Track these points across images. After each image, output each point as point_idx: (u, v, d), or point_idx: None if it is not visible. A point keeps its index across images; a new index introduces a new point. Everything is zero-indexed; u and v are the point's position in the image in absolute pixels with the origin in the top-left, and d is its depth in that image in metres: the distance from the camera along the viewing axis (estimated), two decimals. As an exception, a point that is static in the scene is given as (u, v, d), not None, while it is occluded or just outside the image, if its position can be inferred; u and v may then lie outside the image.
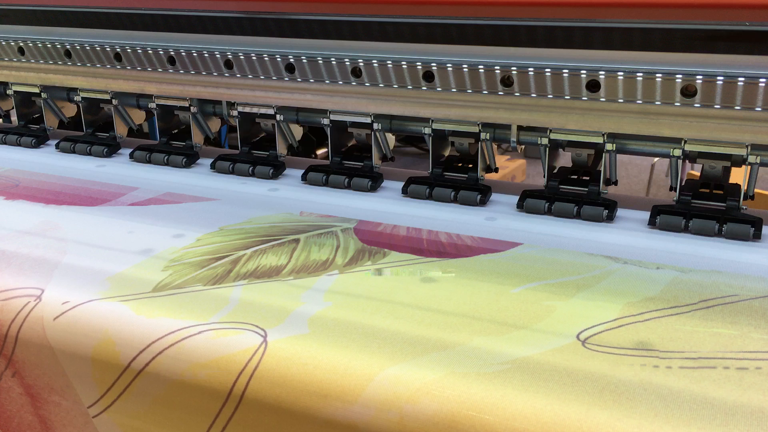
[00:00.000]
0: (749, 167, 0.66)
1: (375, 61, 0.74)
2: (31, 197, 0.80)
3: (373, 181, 0.80)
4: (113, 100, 0.93)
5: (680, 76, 0.63)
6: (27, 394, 0.58)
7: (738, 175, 0.68)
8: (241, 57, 0.81)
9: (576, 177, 0.75)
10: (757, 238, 0.65)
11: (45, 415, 0.58)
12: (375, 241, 0.67)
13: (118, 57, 0.89)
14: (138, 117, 0.97)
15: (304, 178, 0.83)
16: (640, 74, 0.64)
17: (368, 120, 0.79)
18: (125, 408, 0.53)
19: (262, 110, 0.85)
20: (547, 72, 0.67)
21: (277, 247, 0.65)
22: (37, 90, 0.98)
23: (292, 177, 0.85)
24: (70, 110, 1.02)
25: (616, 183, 0.74)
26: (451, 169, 0.79)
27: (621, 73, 0.65)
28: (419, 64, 0.72)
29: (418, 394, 0.44)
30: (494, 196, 0.77)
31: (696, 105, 0.63)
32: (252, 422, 0.49)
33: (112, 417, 0.54)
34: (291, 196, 0.79)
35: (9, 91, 1.01)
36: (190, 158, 0.90)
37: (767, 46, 0.59)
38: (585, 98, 0.67)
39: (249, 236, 0.68)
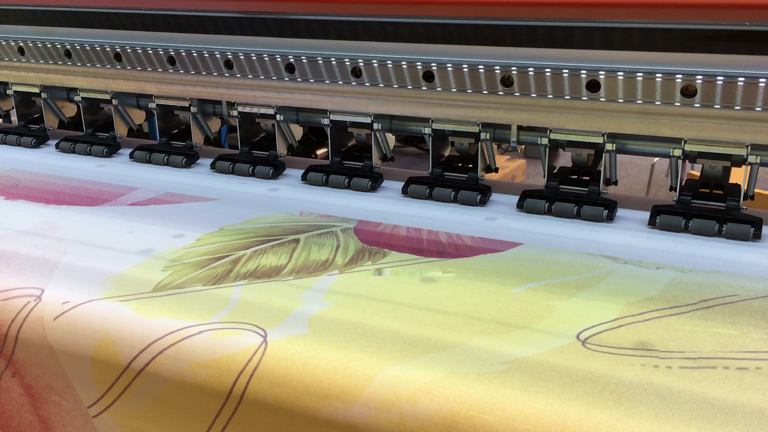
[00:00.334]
0: (749, 167, 0.66)
1: (375, 61, 0.74)
2: (31, 197, 0.80)
3: (373, 181, 0.80)
4: (113, 100, 0.93)
5: (680, 76, 0.63)
6: (27, 394, 0.58)
7: (738, 175, 0.68)
8: (241, 57, 0.81)
9: (576, 177, 0.75)
10: (757, 238, 0.65)
11: (45, 415, 0.58)
12: (375, 241, 0.67)
13: (118, 57, 0.89)
14: (138, 117, 0.97)
15: (304, 178, 0.83)
16: (640, 74, 0.64)
17: (368, 120, 0.79)
18: (125, 408, 0.53)
19: (262, 110, 0.85)
20: (547, 72, 0.67)
21: (277, 247, 0.65)
22: (37, 90, 0.98)
23: (292, 177, 0.85)
24: (70, 110, 1.02)
25: (616, 183, 0.74)
26: (451, 169, 0.79)
27: (621, 73, 0.65)
28: (419, 64, 0.72)
29: (418, 394, 0.44)
30: (494, 196, 0.77)
31: (696, 105, 0.63)
32: (252, 422, 0.49)
33: (112, 417, 0.54)
34: (291, 196, 0.79)
35: (9, 91, 1.01)
36: (190, 158, 0.90)
37: (767, 46, 0.59)
38: (585, 98, 0.67)
39: (249, 236, 0.68)
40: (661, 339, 0.49)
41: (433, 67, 0.72)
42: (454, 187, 0.76)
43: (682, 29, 0.61)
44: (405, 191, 0.78)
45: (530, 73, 0.68)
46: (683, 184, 0.71)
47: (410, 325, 0.52)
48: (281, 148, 0.87)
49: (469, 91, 0.72)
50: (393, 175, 0.84)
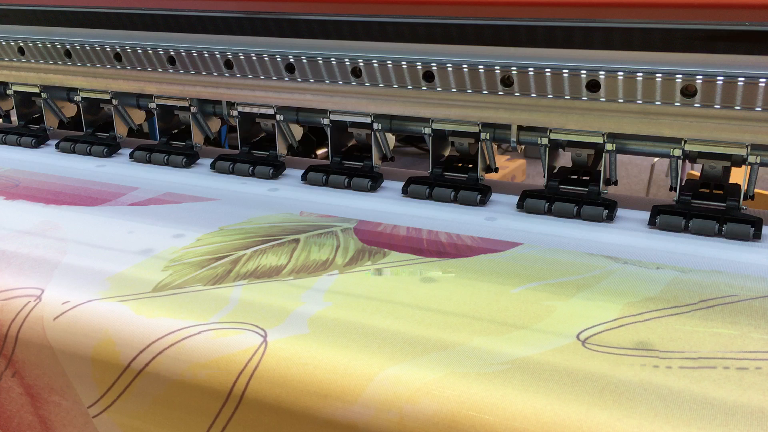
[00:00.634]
0: (749, 167, 0.66)
1: (375, 61, 0.74)
2: (31, 197, 0.80)
3: (373, 181, 0.80)
4: (113, 100, 0.93)
5: (680, 76, 0.63)
6: (27, 394, 0.58)
7: (738, 175, 0.68)
8: (241, 57, 0.81)
9: (576, 177, 0.75)
10: (757, 238, 0.65)
11: (45, 415, 0.58)
12: (375, 241, 0.67)
13: (118, 57, 0.89)
14: (138, 117, 0.97)
15: (304, 178, 0.83)
16: (640, 74, 0.64)
17: (368, 120, 0.79)
18: (125, 408, 0.53)
19: (262, 110, 0.85)
20: (547, 72, 0.67)
21: (277, 247, 0.65)
22: (37, 90, 0.98)
23: (292, 177, 0.85)
24: (70, 110, 1.02)
25: (616, 183, 0.74)
26: (451, 169, 0.79)
27: (621, 73, 0.65)
28: (419, 64, 0.72)
29: (418, 394, 0.44)
30: (494, 196, 0.77)
31: (696, 105, 0.63)
32: (252, 422, 0.49)
33: (112, 417, 0.54)
34: (291, 196, 0.79)
35: (9, 91, 1.01)
36: (190, 158, 0.90)
37: (767, 46, 0.59)
38: (585, 98, 0.67)
39: (249, 236, 0.68)
40: (661, 339, 0.49)
41: (433, 67, 0.72)
42: (454, 187, 0.76)
43: (682, 29, 0.61)
44: (405, 191, 0.78)
45: (530, 73, 0.68)
46: (683, 184, 0.71)
47: (410, 325, 0.52)
48: (281, 148, 0.87)
49: (469, 91, 0.72)
50: (393, 175, 0.84)
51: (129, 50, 0.87)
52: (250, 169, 0.85)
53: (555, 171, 0.76)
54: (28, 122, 1.04)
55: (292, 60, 0.78)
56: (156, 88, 0.89)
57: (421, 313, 0.53)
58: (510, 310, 0.53)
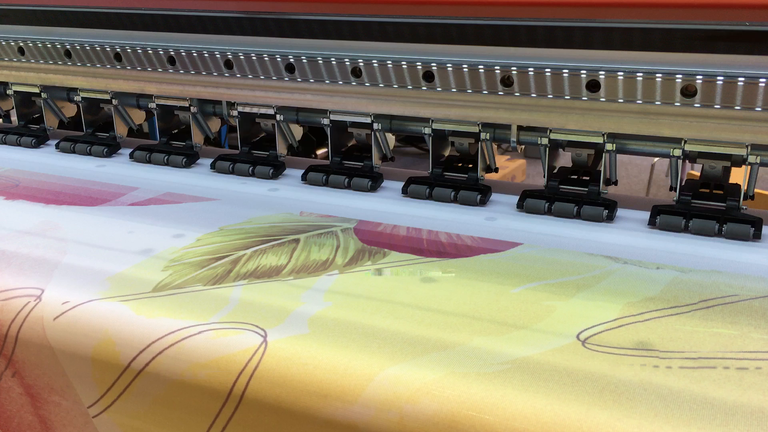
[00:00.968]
0: (749, 167, 0.66)
1: (375, 61, 0.74)
2: (31, 197, 0.80)
3: (373, 181, 0.80)
4: (113, 100, 0.93)
5: (680, 76, 0.63)
6: (27, 394, 0.58)
7: (738, 175, 0.68)
8: (241, 57, 0.81)
9: (576, 177, 0.75)
10: (757, 238, 0.65)
11: (45, 415, 0.58)
12: (375, 241, 0.67)
13: (118, 57, 0.89)
14: (138, 117, 0.97)
15: (304, 178, 0.83)
16: (640, 74, 0.64)
17: (368, 120, 0.79)
18: (125, 408, 0.53)
19: (262, 110, 0.85)
20: (547, 72, 0.67)
21: (277, 247, 0.65)
22: (37, 90, 0.98)
23: (292, 177, 0.85)
24: (70, 110, 1.02)
25: (616, 183, 0.74)
26: (451, 169, 0.79)
27: (621, 73, 0.65)
28: (419, 64, 0.72)
29: (418, 394, 0.44)
30: (494, 196, 0.77)
31: (696, 105, 0.63)
32: (252, 422, 0.49)
33: (112, 417, 0.54)
34: (291, 196, 0.79)
35: (9, 91, 1.01)
36: (190, 158, 0.90)
37: (767, 46, 0.59)
38: (585, 98, 0.67)
39: (249, 236, 0.68)
40: (661, 339, 0.49)
41: (433, 67, 0.72)
42: (454, 187, 0.76)
43: (682, 29, 0.61)
44: (405, 191, 0.78)
45: (530, 73, 0.68)
46: (683, 184, 0.71)
47: (410, 325, 0.52)
48: (281, 148, 0.87)
49: (469, 91, 0.72)
50: (393, 175, 0.84)
51: (129, 50, 0.87)
52: (250, 169, 0.85)
53: (555, 171, 0.76)
54: (28, 122, 1.04)
55: (292, 60, 0.78)
56: (156, 88, 0.89)
57: (421, 313, 0.53)
58: (510, 310, 0.53)
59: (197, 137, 0.91)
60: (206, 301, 0.56)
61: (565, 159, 0.77)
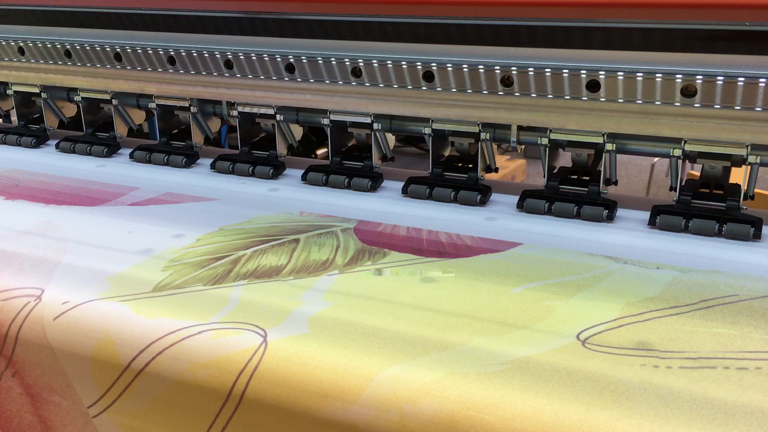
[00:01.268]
0: (749, 167, 0.66)
1: (375, 61, 0.74)
2: (31, 197, 0.80)
3: (373, 181, 0.80)
4: (113, 100, 0.93)
5: (680, 76, 0.63)
6: (27, 394, 0.58)
7: (738, 175, 0.68)
8: (241, 57, 0.81)
9: (576, 177, 0.75)
10: (757, 238, 0.65)
11: (45, 415, 0.58)
12: (375, 241, 0.67)
13: (118, 57, 0.89)
14: (138, 117, 0.97)
15: (304, 178, 0.83)
16: (640, 74, 0.64)
17: (368, 120, 0.79)
18: (125, 408, 0.53)
19: (262, 110, 0.85)
20: (547, 72, 0.67)
21: (277, 247, 0.65)
22: (37, 90, 0.98)
23: (292, 177, 0.85)
24: (70, 110, 1.02)
25: (616, 183, 0.74)
26: (451, 169, 0.79)
27: (621, 73, 0.65)
28: (419, 64, 0.72)
29: (418, 394, 0.44)
30: (494, 196, 0.77)
31: (696, 105, 0.63)
32: (252, 422, 0.49)
33: (112, 417, 0.54)
34: (291, 196, 0.79)
35: (9, 91, 1.01)
36: (190, 158, 0.90)
37: (767, 46, 0.59)
38: (585, 98, 0.67)
39: (249, 236, 0.68)
40: (661, 339, 0.49)
41: (433, 67, 0.72)
42: (454, 187, 0.76)
43: (682, 29, 0.61)
44: (405, 191, 0.78)
45: (530, 73, 0.68)
46: (683, 184, 0.71)
47: (410, 325, 0.52)
48: (281, 148, 0.87)
49: (469, 91, 0.72)
50: (393, 175, 0.84)
51: (129, 50, 0.87)
52: (250, 169, 0.85)
53: (555, 171, 0.76)
54: (28, 122, 1.04)
55: (292, 60, 0.78)
56: (156, 88, 0.89)
57: (421, 313, 0.53)
58: (510, 310, 0.53)
59: (197, 137, 0.91)
60: (206, 301, 0.56)
61: (565, 159, 0.77)
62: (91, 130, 0.99)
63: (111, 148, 0.95)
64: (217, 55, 0.82)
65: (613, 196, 0.73)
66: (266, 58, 0.79)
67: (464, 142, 0.78)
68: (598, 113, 0.68)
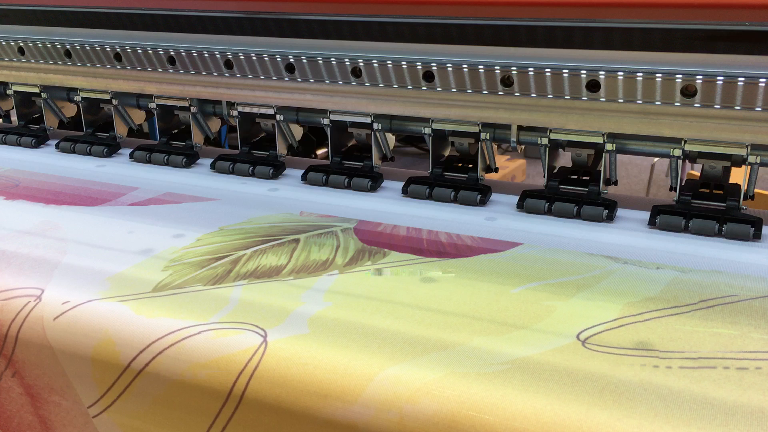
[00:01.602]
0: (749, 167, 0.66)
1: (375, 61, 0.74)
2: (31, 197, 0.80)
3: (373, 181, 0.80)
4: (113, 100, 0.93)
5: (680, 76, 0.63)
6: (27, 394, 0.58)
7: (738, 175, 0.68)
8: (241, 57, 0.81)
9: (576, 177, 0.75)
10: (757, 238, 0.65)
11: (45, 415, 0.58)
12: (375, 241, 0.67)
13: (118, 57, 0.89)
14: (138, 117, 0.97)
15: (304, 178, 0.83)
16: (640, 74, 0.64)
17: (368, 120, 0.79)
18: (125, 408, 0.53)
19: (262, 110, 0.85)
20: (547, 72, 0.67)
21: (277, 247, 0.65)
22: (37, 90, 0.98)
23: (292, 177, 0.85)
24: (70, 110, 1.02)
25: (616, 183, 0.74)
26: (451, 169, 0.79)
27: (621, 73, 0.65)
28: (419, 64, 0.72)
29: (418, 394, 0.44)
30: (494, 196, 0.77)
31: (696, 105, 0.63)
32: (252, 422, 0.49)
33: (112, 417, 0.54)
34: (291, 196, 0.79)
35: (9, 91, 1.01)
36: (190, 158, 0.90)
37: (767, 46, 0.59)
38: (585, 98, 0.67)
39: (249, 236, 0.68)
40: (661, 339, 0.49)
41: (433, 67, 0.72)
42: (454, 187, 0.76)
43: (682, 29, 0.61)
44: (405, 191, 0.78)
45: (530, 73, 0.68)
46: (683, 184, 0.71)
47: (410, 325, 0.52)
48: (281, 148, 0.87)
49: (469, 91, 0.72)
50: (393, 175, 0.84)
51: (129, 50, 0.87)
52: (250, 169, 0.85)
53: (555, 171, 0.76)
54: (28, 122, 1.04)
55: (292, 60, 0.78)
56: (156, 88, 0.89)
57: (421, 313, 0.53)
58: (510, 310, 0.53)
59: (197, 137, 0.91)
60: (206, 301, 0.56)
61: (565, 159, 0.77)
62: (91, 130, 0.99)
63: (111, 148, 0.95)
64: (217, 55, 0.82)
65: (613, 196, 0.73)
66: (266, 58, 0.79)
67: (464, 142, 0.78)
68: (598, 113, 0.68)
